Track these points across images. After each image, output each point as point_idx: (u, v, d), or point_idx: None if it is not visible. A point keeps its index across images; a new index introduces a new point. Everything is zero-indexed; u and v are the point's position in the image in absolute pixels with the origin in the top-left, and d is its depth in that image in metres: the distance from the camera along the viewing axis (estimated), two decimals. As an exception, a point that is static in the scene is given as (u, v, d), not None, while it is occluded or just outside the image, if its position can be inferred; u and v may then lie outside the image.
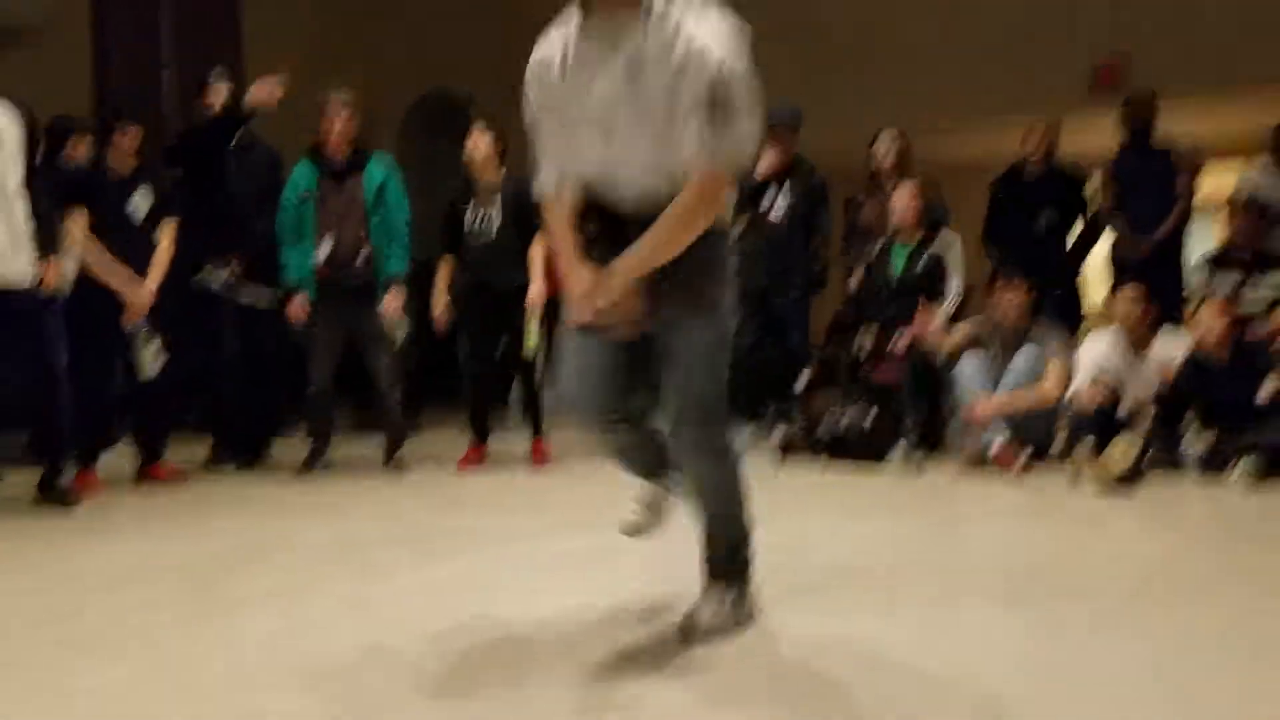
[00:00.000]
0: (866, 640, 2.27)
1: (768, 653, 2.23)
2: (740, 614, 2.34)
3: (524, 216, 4.76)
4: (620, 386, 2.27)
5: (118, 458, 4.87)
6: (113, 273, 4.42)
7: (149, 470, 4.63)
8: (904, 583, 2.76)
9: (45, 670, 2.22)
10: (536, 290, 4.81)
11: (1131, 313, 4.65)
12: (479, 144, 4.84)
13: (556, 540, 3.26)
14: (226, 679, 2.12)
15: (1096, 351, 4.69)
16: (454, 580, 2.86)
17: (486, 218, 4.85)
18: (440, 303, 4.93)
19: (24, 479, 4.31)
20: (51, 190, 4.63)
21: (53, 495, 4.09)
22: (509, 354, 4.94)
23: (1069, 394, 4.56)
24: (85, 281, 4.47)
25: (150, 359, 4.45)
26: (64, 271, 4.15)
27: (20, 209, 3.98)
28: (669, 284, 2.15)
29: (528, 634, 2.35)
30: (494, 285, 4.84)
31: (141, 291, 4.45)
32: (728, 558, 2.36)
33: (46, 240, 4.07)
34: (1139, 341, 4.66)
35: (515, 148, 5.99)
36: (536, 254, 4.82)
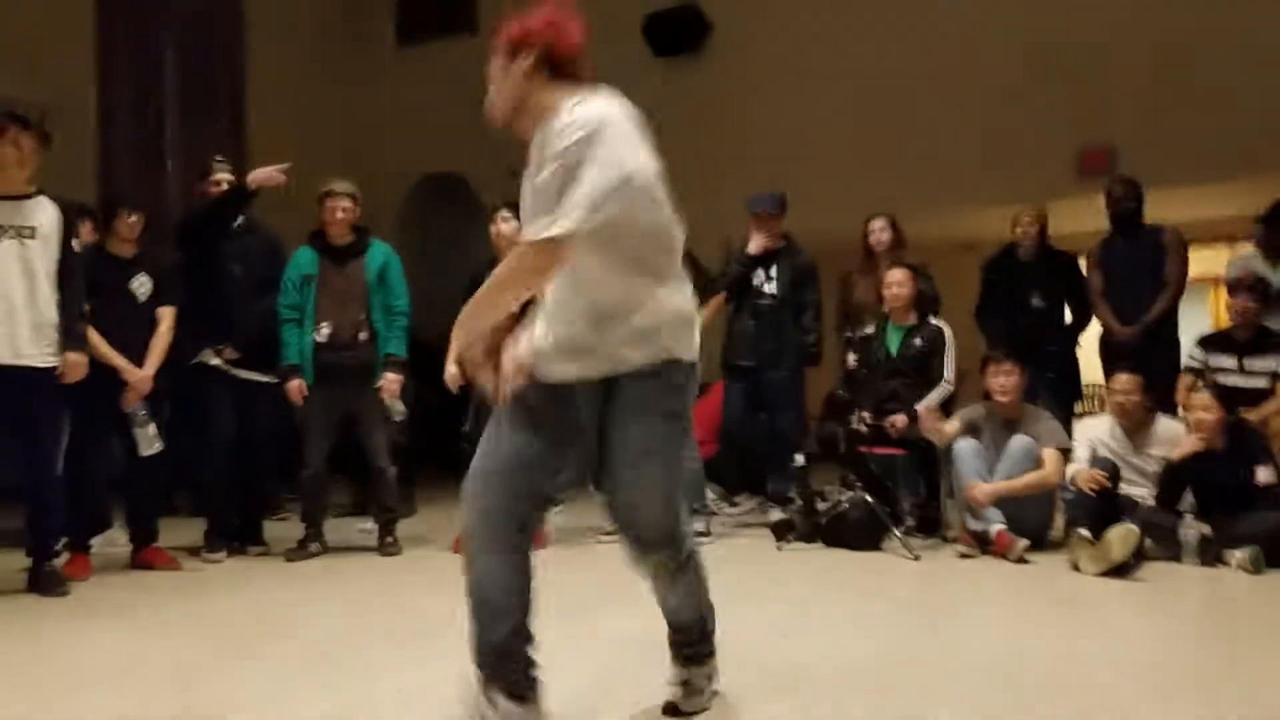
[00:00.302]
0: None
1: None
2: (714, 684, 2.49)
3: None
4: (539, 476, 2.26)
5: (110, 543, 4.86)
6: (111, 356, 4.45)
7: (143, 555, 4.60)
8: (892, 679, 2.73)
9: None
10: None
11: (1126, 403, 4.67)
12: (503, 229, 4.93)
13: (549, 629, 3.23)
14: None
15: (1094, 434, 4.71)
16: (445, 678, 2.82)
17: None
18: (453, 373, 4.82)
19: (13, 561, 4.27)
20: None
21: (43, 584, 4.06)
22: None
23: (1068, 474, 4.56)
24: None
25: (148, 441, 4.46)
26: (85, 363, 4.18)
27: (47, 295, 4.07)
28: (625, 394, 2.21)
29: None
30: None
31: (141, 374, 4.48)
32: (698, 641, 2.46)
33: (75, 329, 4.14)
34: (1135, 429, 4.67)
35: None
36: None
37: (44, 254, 4.09)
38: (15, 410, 4.02)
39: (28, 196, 4.11)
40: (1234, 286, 5.17)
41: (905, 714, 2.43)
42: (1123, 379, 4.70)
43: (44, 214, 4.11)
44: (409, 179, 9.84)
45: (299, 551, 4.78)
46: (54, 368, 4.07)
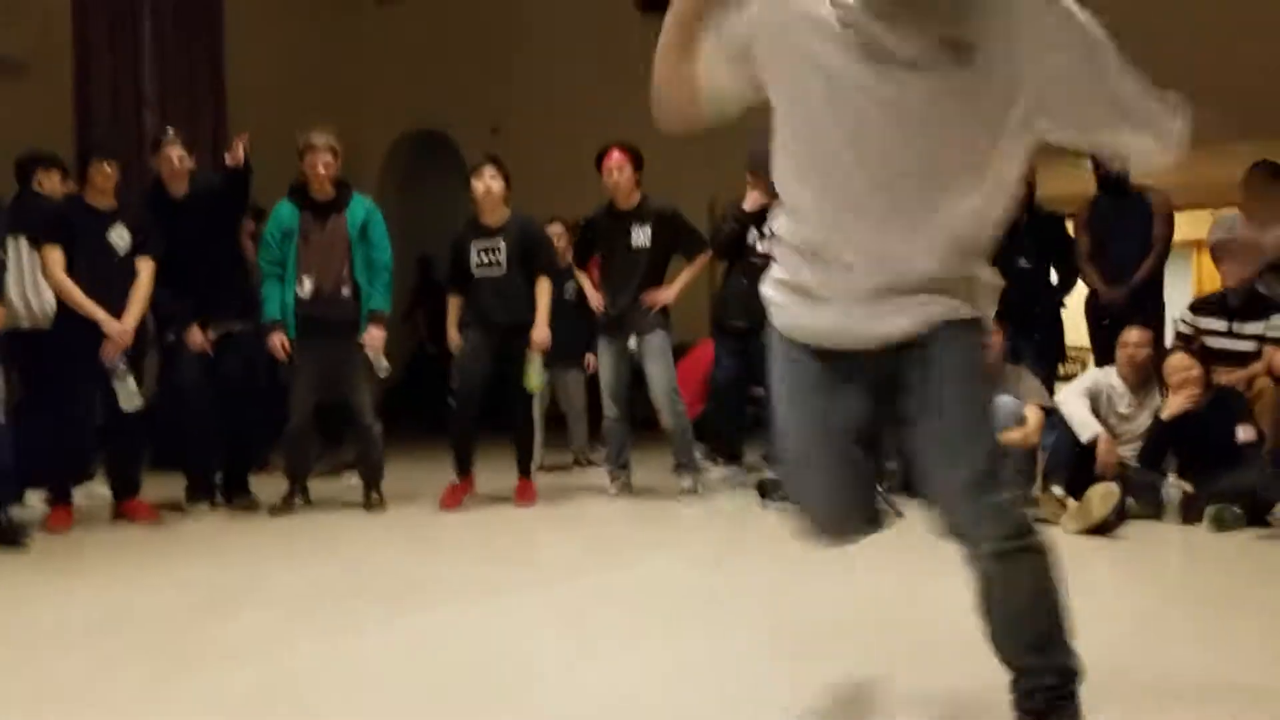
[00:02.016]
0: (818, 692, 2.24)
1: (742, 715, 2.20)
2: None
3: (529, 255, 4.94)
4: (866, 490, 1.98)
5: (91, 495, 4.83)
6: (91, 309, 4.39)
7: (124, 507, 4.58)
8: (877, 637, 2.75)
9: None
10: (541, 331, 4.90)
11: (1137, 355, 4.66)
12: (492, 186, 4.89)
13: (540, 592, 3.24)
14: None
15: (1101, 378, 4.73)
16: (431, 635, 2.82)
17: (493, 256, 4.89)
18: (454, 338, 5.00)
19: None
20: (30, 224, 4.64)
21: (2, 536, 4.02)
22: (511, 388, 4.95)
23: (1062, 398, 4.61)
24: (64, 315, 4.47)
25: (128, 395, 4.42)
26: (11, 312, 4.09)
27: None
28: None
29: (513, 696, 2.31)
30: (499, 322, 4.89)
31: (120, 326, 4.43)
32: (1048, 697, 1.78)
33: None
34: (1138, 384, 4.68)
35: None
36: (543, 292, 4.91)
37: None
38: None
39: None
40: (1215, 252, 5.17)
41: (892, 670, 2.45)
42: (1134, 333, 4.70)
43: None
44: (391, 134, 9.74)
45: (283, 507, 4.76)
46: None
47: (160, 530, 4.43)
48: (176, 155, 4.81)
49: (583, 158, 6.95)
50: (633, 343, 5.08)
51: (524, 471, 5.05)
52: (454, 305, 5.06)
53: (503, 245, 4.90)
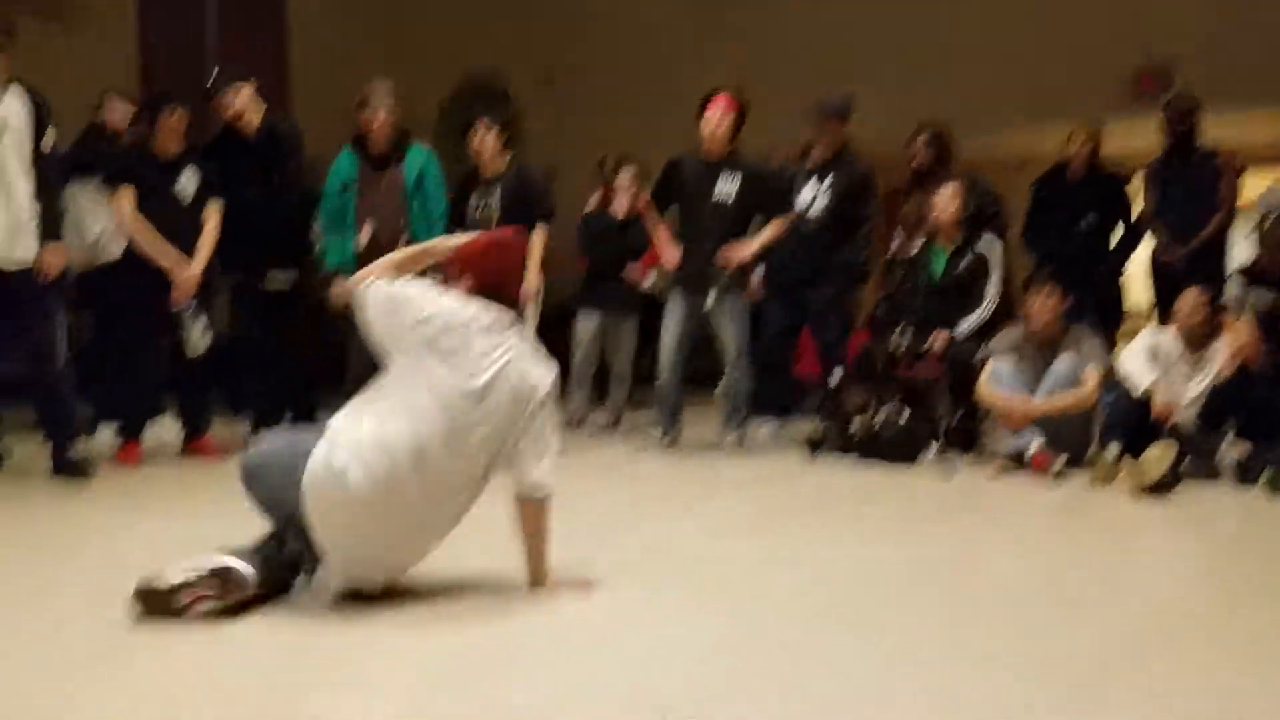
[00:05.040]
0: (871, 658, 2.28)
1: (771, 661, 2.24)
2: None
3: (524, 205, 4.94)
4: None
5: (160, 434, 4.99)
6: (160, 252, 4.50)
7: (192, 445, 4.73)
8: (922, 591, 2.76)
9: (106, 654, 2.26)
10: (533, 279, 4.87)
11: (1193, 319, 4.59)
12: (485, 141, 4.97)
13: (586, 545, 3.28)
14: (266, 672, 2.16)
15: (1159, 338, 4.67)
16: (473, 581, 2.89)
17: (487, 205, 4.94)
18: None
19: (37, 451, 4.38)
20: (101, 168, 4.75)
21: (65, 469, 4.17)
22: None
23: (1121, 360, 4.55)
24: (133, 259, 4.58)
25: (197, 337, 4.54)
26: (66, 255, 4.19)
27: (23, 191, 4.03)
28: None
29: (557, 642, 2.36)
30: None
31: (188, 272, 4.53)
32: None
33: (51, 224, 4.12)
34: (1196, 346, 4.61)
35: (536, 131, 6.03)
36: (536, 242, 4.92)
37: (17, 149, 4.01)
38: (10, 308, 4.06)
39: None
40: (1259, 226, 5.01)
41: (936, 625, 2.46)
42: (1192, 294, 4.62)
43: (15, 105, 4.01)
44: (447, 85, 9.75)
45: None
46: (32, 263, 4.05)
47: (226, 468, 4.55)
48: (240, 99, 4.84)
49: (637, 107, 6.95)
50: (710, 301, 4.90)
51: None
52: None
53: (498, 194, 4.95)
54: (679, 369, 5.05)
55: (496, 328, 2.55)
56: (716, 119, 4.85)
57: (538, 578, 2.61)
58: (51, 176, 4.17)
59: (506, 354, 2.52)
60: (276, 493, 2.42)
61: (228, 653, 2.20)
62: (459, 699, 1.97)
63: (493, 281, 2.61)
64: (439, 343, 2.48)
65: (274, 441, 2.60)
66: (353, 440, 2.41)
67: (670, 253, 5.04)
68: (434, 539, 2.56)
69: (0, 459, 4.27)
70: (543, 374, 2.58)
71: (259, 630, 2.33)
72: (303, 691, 1.99)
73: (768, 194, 5.03)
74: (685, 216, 5.06)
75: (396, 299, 2.55)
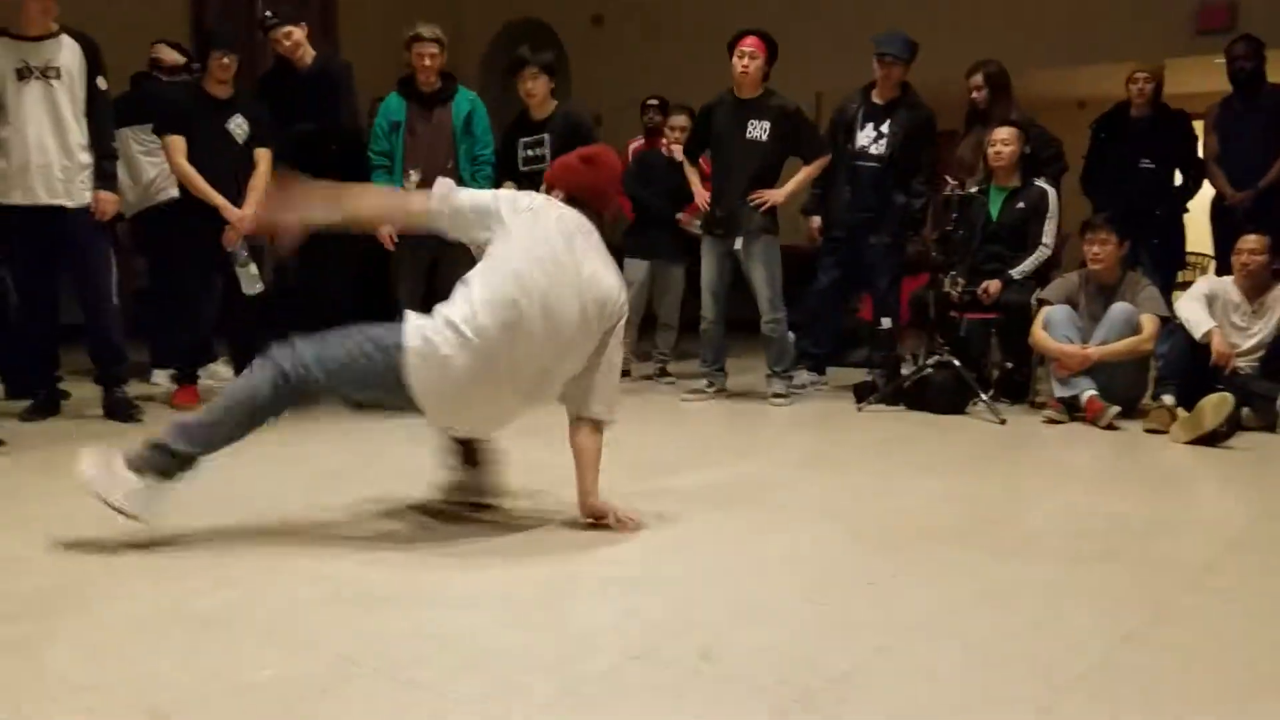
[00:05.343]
0: (923, 595, 2.28)
1: (826, 602, 2.26)
2: None
3: (573, 147, 4.83)
4: None
5: (213, 376, 5.08)
6: (212, 194, 4.55)
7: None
8: (970, 538, 2.74)
9: (153, 592, 2.33)
10: None
11: (1251, 263, 4.48)
12: (534, 89, 4.93)
13: (632, 490, 3.31)
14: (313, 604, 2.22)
15: (1217, 285, 4.58)
16: (529, 526, 2.93)
17: (538, 150, 4.92)
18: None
19: (91, 393, 4.46)
20: (152, 114, 4.79)
21: (115, 411, 4.27)
22: None
23: (1180, 304, 4.47)
24: (186, 202, 4.64)
25: (249, 280, 4.60)
26: (117, 200, 4.29)
27: (77, 134, 4.12)
28: None
29: (602, 586, 2.40)
30: None
31: (240, 213, 4.57)
32: None
33: (106, 170, 4.21)
34: (1255, 292, 4.51)
35: (584, 72, 5.92)
36: None
37: (70, 95, 4.11)
38: (59, 248, 4.14)
39: (50, 36, 4.10)
40: None
41: (985, 570, 2.46)
42: (1250, 239, 4.51)
43: (67, 52, 4.10)
44: (494, 25, 9.68)
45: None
46: (88, 206, 4.15)
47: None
48: (289, 35, 4.83)
49: (685, 47, 6.83)
50: (738, 243, 4.91)
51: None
52: None
53: (547, 140, 4.91)
54: (721, 311, 5.06)
55: (585, 228, 2.70)
56: (746, 60, 4.83)
57: (588, 501, 2.66)
58: (105, 121, 4.24)
59: (592, 249, 2.68)
60: (362, 387, 2.58)
61: (288, 582, 2.25)
62: (515, 627, 2.02)
63: (581, 197, 2.77)
64: (537, 221, 2.64)
65: (340, 344, 2.58)
66: (450, 319, 2.53)
67: (701, 196, 5.06)
68: (522, 410, 2.66)
69: (57, 401, 4.37)
70: (618, 284, 2.70)
71: (313, 565, 2.38)
72: (359, 626, 2.04)
73: (801, 135, 5.01)
74: (718, 158, 5.05)
75: (494, 193, 2.79)
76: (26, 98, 4.03)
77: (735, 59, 4.86)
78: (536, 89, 4.93)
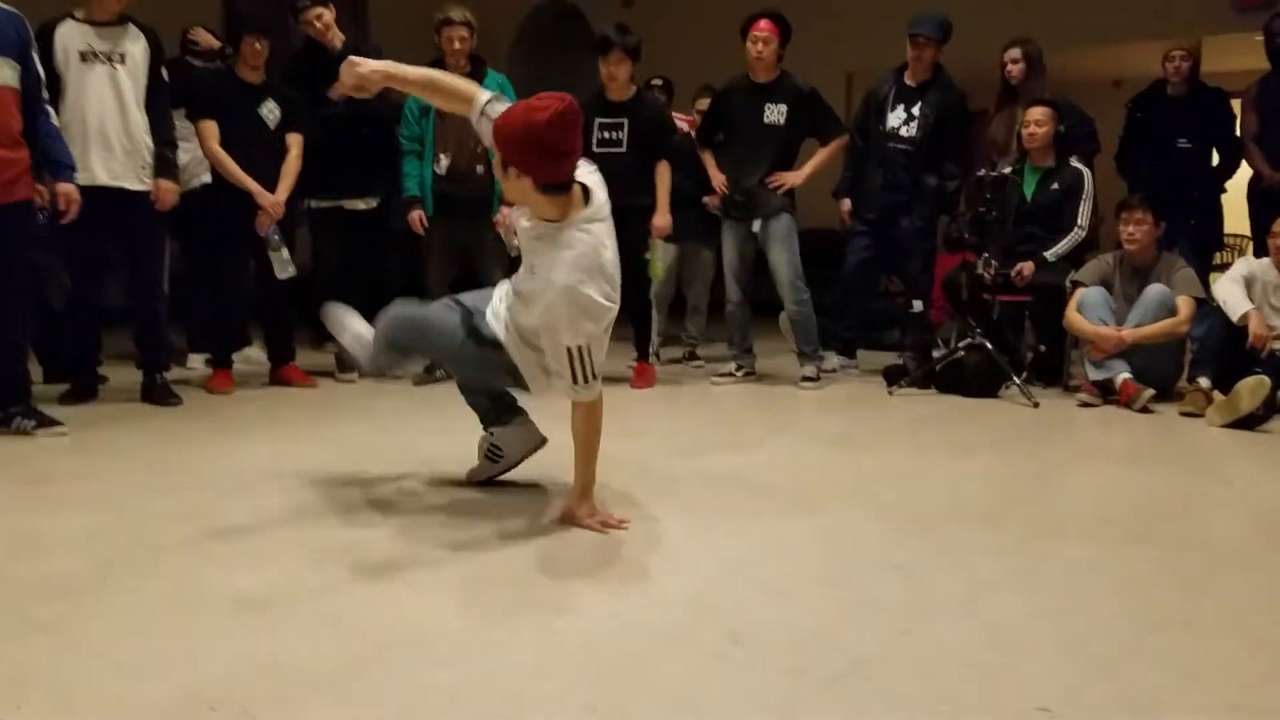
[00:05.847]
0: (951, 578, 2.28)
1: (853, 584, 2.26)
2: None
3: (651, 137, 4.87)
4: None
5: (247, 360, 5.14)
6: (245, 179, 4.59)
7: (281, 372, 4.86)
8: (1001, 518, 2.74)
9: (190, 572, 2.37)
10: (663, 218, 4.88)
11: None
12: (618, 73, 4.86)
13: (659, 471, 3.32)
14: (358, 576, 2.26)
15: (1255, 266, 4.49)
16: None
17: (616, 134, 4.89)
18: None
19: (132, 377, 4.51)
20: (185, 99, 4.84)
21: (155, 395, 4.32)
22: (629, 269, 4.95)
23: (1217, 287, 4.41)
24: (219, 186, 4.68)
25: (282, 264, 4.65)
26: (177, 190, 4.35)
27: (139, 121, 4.19)
28: None
29: (628, 565, 2.41)
30: (617, 203, 4.85)
31: (273, 198, 4.62)
32: None
33: (167, 160, 4.27)
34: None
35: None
36: (663, 176, 4.88)
37: (134, 81, 4.18)
38: (114, 231, 4.20)
39: (118, 23, 4.17)
40: None
41: (1014, 552, 2.45)
42: None
43: (134, 42, 4.18)
44: (523, 8, 9.67)
45: (425, 377, 4.95)
46: (148, 191, 4.21)
47: (314, 394, 4.70)
48: (320, 17, 4.89)
49: (715, 30, 6.78)
50: (756, 226, 4.93)
51: (642, 354, 5.11)
52: None
53: (626, 124, 4.88)
54: (744, 293, 5.09)
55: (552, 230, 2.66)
56: (760, 43, 4.83)
57: (569, 507, 2.64)
58: (167, 111, 4.34)
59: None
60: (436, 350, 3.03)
61: (326, 563, 2.29)
62: (525, 593, 2.04)
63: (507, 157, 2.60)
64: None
65: (424, 320, 2.95)
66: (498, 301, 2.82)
67: (718, 179, 5.06)
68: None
69: (95, 385, 4.44)
70: (565, 277, 2.50)
71: (310, 535, 2.41)
72: (396, 607, 2.07)
73: (817, 116, 5.01)
74: (735, 141, 5.04)
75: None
76: (89, 80, 4.09)
77: (749, 44, 4.88)
78: (620, 73, 4.87)
